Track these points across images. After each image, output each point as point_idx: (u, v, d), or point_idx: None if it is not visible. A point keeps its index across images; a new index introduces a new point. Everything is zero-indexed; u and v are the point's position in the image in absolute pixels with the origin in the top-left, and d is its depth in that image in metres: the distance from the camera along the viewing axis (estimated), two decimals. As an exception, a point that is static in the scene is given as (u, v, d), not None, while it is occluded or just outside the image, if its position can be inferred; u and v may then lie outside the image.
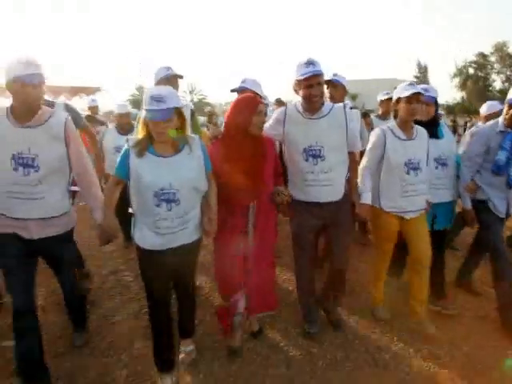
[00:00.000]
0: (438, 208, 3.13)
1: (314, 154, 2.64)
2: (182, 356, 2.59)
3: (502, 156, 3.03)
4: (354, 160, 2.84)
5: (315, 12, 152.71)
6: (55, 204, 2.32)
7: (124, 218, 2.93)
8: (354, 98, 38.04)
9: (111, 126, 4.98)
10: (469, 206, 3.18)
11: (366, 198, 2.87)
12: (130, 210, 2.35)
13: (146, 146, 2.18)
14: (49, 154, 2.25)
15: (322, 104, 2.66)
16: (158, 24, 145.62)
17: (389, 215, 2.92)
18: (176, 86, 3.18)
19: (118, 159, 2.22)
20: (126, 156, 2.18)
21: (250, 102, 2.48)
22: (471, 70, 44.26)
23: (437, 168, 3.12)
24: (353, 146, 2.77)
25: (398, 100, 2.85)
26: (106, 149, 4.40)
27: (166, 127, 2.10)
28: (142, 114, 2.15)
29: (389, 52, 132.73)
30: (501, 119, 3.08)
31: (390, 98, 5.17)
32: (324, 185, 2.67)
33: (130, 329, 2.94)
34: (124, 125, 4.52)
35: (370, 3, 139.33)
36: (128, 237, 4.04)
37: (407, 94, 2.75)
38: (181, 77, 3.32)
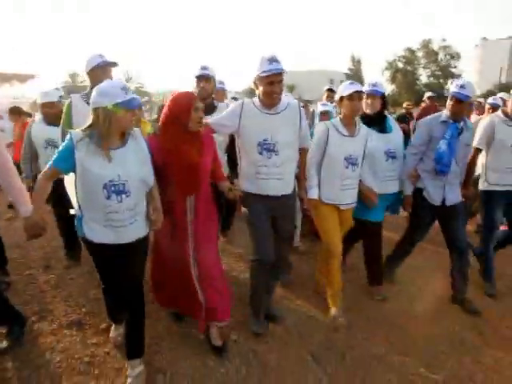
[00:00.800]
0: (390, 198, 3.44)
1: (268, 148, 2.73)
2: (129, 382, 2.36)
3: (442, 145, 3.24)
4: (303, 156, 3.02)
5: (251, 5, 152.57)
6: None
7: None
8: (291, 89, 39.21)
9: (37, 117, 4.30)
10: (408, 192, 3.44)
11: (313, 194, 3.06)
12: (72, 212, 2.33)
13: (107, 139, 2.17)
14: None
15: (279, 100, 2.77)
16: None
17: (328, 206, 3.11)
18: (110, 75, 3.04)
19: (59, 152, 2.19)
20: (70, 149, 2.14)
21: (188, 99, 2.51)
22: (400, 65, 47.21)
23: (387, 161, 3.33)
24: (303, 143, 2.94)
25: (342, 98, 3.04)
26: (36, 144, 3.85)
27: (136, 114, 2.28)
28: (103, 106, 2.08)
29: (322, 44, 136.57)
30: (445, 110, 3.34)
31: (329, 89, 5.85)
32: (276, 178, 2.78)
33: (85, 282, 3.52)
34: (51, 115, 3.78)
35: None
36: None
37: (348, 92, 2.97)
38: (115, 64, 3.13)
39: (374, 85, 3.39)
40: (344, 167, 3.04)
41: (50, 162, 2.20)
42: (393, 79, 46.74)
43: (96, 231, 2.24)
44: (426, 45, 45.43)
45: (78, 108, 3.05)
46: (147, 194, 2.40)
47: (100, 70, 2.98)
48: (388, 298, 3.48)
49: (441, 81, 44.20)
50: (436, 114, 3.50)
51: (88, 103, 2.35)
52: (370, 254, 3.57)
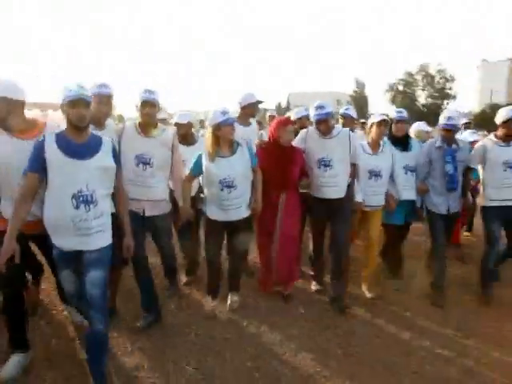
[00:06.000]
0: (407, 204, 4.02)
1: (325, 164, 3.58)
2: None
3: (449, 168, 3.73)
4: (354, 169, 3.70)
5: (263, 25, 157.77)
6: None
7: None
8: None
9: None
10: (418, 205, 4.01)
11: (360, 198, 3.76)
12: (202, 195, 3.43)
13: (215, 151, 3.17)
14: None
15: (333, 127, 3.61)
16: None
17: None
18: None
19: (193, 162, 3.27)
20: (200, 160, 3.23)
21: (281, 123, 3.48)
22: (400, 87, 49.64)
23: (406, 174, 3.95)
24: (354, 159, 3.65)
25: (372, 124, 3.80)
26: None
27: (233, 131, 3.19)
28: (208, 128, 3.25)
29: (330, 67, 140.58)
30: (440, 137, 3.83)
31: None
32: (330, 186, 3.60)
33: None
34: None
35: (309, 17, 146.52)
36: None
37: (378, 119, 3.72)
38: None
39: (401, 112, 4.06)
40: (368, 178, 3.81)
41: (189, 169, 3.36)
42: (393, 101, 49.05)
43: (213, 211, 3.32)
44: (423, 69, 47.92)
45: None
46: (251, 188, 3.37)
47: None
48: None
49: (438, 102, 46.39)
50: (433, 139, 4.05)
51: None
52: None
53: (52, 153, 2.34)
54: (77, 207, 2.36)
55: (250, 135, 3.98)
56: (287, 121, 3.58)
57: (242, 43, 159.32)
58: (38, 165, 2.35)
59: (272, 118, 6.88)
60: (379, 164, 3.79)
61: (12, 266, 2.36)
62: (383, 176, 3.80)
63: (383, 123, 3.74)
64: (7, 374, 2.62)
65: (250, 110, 4.07)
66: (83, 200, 2.37)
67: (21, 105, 2.63)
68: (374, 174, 3.78)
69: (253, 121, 4.26)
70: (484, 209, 3.89)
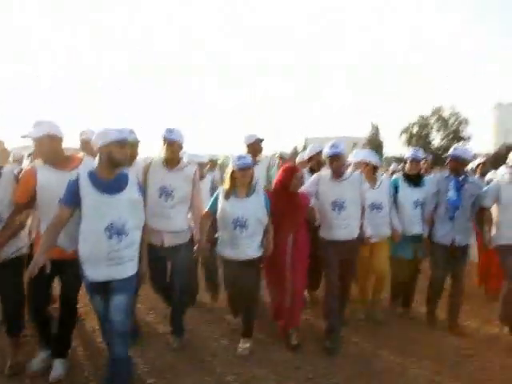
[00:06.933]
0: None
1: (339, 206, 3.66)
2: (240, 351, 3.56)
3: (451, 194, 3.87)
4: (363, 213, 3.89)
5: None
6: None
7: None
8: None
9: None
10: (425, 235, 4.15)
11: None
12: (216, 235, 3.53)
13: (231, 191, 3.32)
14: None
15: (343, 172, 3.73)
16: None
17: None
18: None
19: (212, 200, 3.47)
20: (216, 198, 3.42)
21: (291, 170, 3.63)
22: (415, 129, 50.69)
23: (416, 208, 4.18)
24: (363, 201, 3.87)
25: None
26: None
27: (248, 175, 3.35)
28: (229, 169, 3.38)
29: (347, 113, 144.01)
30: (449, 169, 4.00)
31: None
32: (343, 227, 3.70)
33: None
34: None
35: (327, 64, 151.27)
36: None
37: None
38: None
39: (416, 151, 4.44)
40: (370, 211, 4.05)
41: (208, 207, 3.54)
42: (408, 142, 49.91)
43: (224, 249, 3.47)
44: (436, 111, 49.10)
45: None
46: (264, 229, 3.48)
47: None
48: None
49: (453, 143, 47.05)
50: (443, 172, 4.32)
51: None
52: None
53: (86, 189, 2.59)
54: (110, 237, 2.59)
55: (258, 173, 4.14)
56: (295, 168, 3.78)
57: (242, 43, 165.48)
58: (73, 200, 2.60)
59: (281, 158, 7.10)
60: (379, 197, 4.10)
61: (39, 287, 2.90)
62: (384, 208, 4.10)
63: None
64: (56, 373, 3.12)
65: (252, 148, 4.61)
66: (115, 231, 2.60)
67: (61, 141, 3.01)
68: (376, 207, 4.07)
69: (262, 159, 4.74)
70: (500, 248, 3.91)
